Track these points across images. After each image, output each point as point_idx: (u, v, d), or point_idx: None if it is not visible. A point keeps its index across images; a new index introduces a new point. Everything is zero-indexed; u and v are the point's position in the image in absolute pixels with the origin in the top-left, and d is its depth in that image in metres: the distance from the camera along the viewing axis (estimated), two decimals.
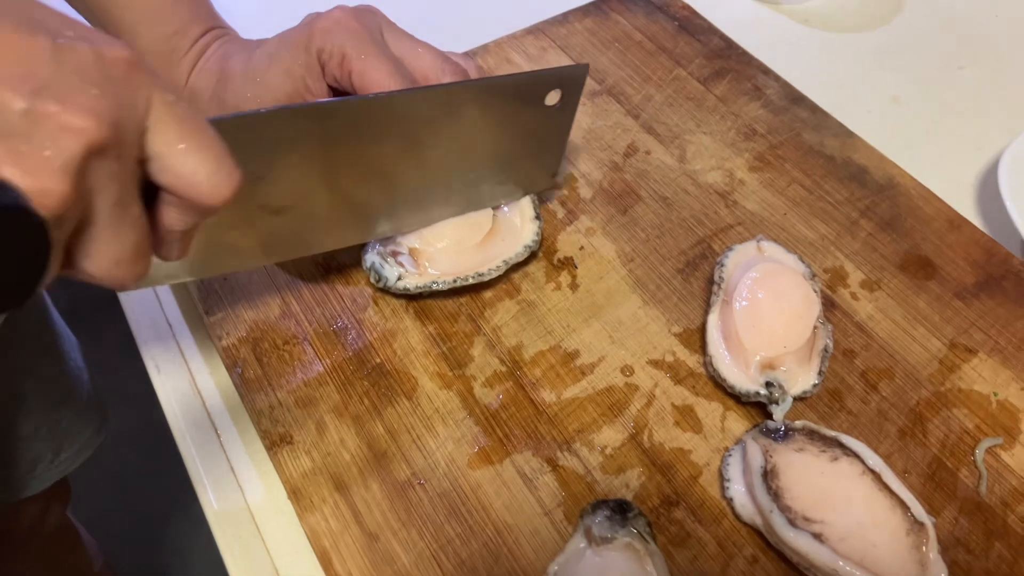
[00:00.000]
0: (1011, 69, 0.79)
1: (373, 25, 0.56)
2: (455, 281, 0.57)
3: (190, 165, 0.37)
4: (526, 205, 0.61)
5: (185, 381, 0.59)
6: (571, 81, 0.56)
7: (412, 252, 0.57)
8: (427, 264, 0.58)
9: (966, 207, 0.67)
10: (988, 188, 0.69)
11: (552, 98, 0.56)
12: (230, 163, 0.38)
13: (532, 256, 0.61)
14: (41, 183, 0.31)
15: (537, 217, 0.61)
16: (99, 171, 0.34)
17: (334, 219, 0.56)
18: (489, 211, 0.59)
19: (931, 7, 0.85)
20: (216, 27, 0.62)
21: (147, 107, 0.35)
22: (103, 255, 0.36)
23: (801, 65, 0.78)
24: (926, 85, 0.78)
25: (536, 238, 0.60)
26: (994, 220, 0.67)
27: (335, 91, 0.57)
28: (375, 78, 0.54)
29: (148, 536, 1.53)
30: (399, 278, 0.57)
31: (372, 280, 0.58)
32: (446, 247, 0.58)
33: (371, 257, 0.58)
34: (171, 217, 0.38)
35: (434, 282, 0.57)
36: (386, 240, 0.57)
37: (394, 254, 0.57)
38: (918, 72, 0.79)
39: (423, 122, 0.53)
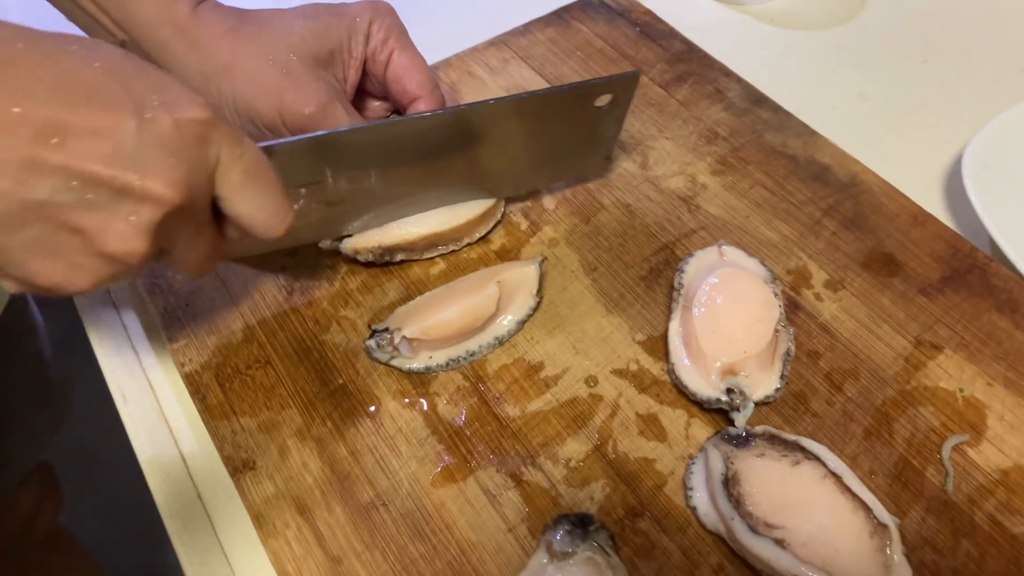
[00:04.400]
0: (976, 61, 0.79)
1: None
2: (448, 364, 0.57)
3: (251, 208, 0.45)
4: (531, 279, 0.60)
5: (152, 410, 0.58)
6: (622, 87, 0.60)
7: (411, 341, 0.56)
8: (423, 350, 0.57)
9: (934, 202, 0.67)
10: (954, 182, 0.69)
11: (603, 100, 0.60)
12: (284, 207, 0.46)
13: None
14: (126, 245, 0.39)
15: (538, 293, 0.60)
16: (176, 222, 0.41)
17: (395, 208, 0.62)
18: (495, 294, 0.58)
19: (895, 2, 0.85)
20: None
21: (217, 159, 0.42)
22: (182, 263, 0.45)
23: (766, 66, 0.78)
24: (891, 80, 0.78)
25: (530, 312, 0.59)
26: (961, 214, 0.66)
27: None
28: (414, 73, 0.60)
29: (148, 559, 1.53)
30: (391, 359, 0.57)
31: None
32: (446, 335, 0.57)
33: (369, 343, 0.57)
34: (232, 233, 0.47)
35: (427, 367, 0.57)
36: (384, 331, 0.57)
37: (391, 343, 0.56)
38: (883, 67, 0.79)
39: (485, 129, 0.59)
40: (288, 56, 0.57)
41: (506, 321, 0.59)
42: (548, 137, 0.62)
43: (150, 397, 0.59)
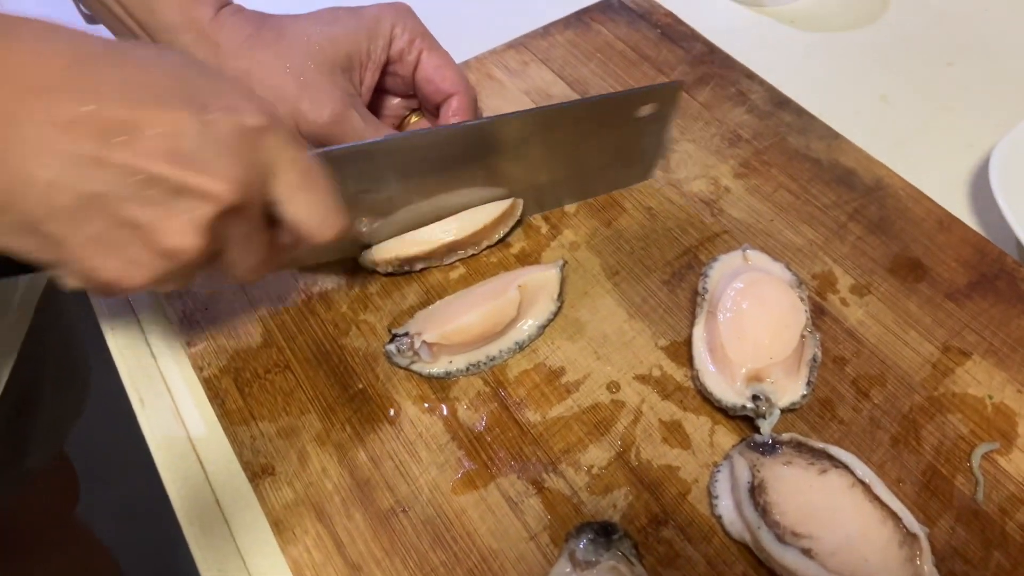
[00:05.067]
0: (1001, 64, 0.78)
1: None
2: (468, 369, 0.56)
3: (304, 212, 0.45)
4: (552, 283, 0.59)
5: (170, 414, 0.58)
6: (663, 97, 0.61)
7: (431, 345, 0.56)
8: (443, 354, 0.57)
9: (959, 206, 0.66)
10: (980, 186, 0.68)
11: (645, 110, 0.61)
12: (337, 212, 0.46)
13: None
14: (181, 241, 0.40)
15: (559, 297, 0.59)
16: (231, 221, 0.42)
17: (440, 213, 0.62)
18: (516, 299, 0.57)
19: (919, 3, 0.84)
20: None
21: (273, 162, 0.43)
22: (235, 266, 0.45)
23: (788, 68, 0.77)
24: (915, 83, 0.77)
25: (551, 317, 0.59)
26: (987, 218, 0.65)
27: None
28: (446, 72, 0.61)
29: (164, 559, 1.53)
30: (411, 363, 0.57)
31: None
32: (467, 340, 0.56)
33: (389, 347, 0.56)
34: (286, 239, 0.47)
35: (447, 371, 0.56)
36: (404, 335, 0.56)
37: (411, 347, 0.56)
38: (907, 70, 0.78)
39: (526, 138, 0.59)
40: (305, 63, 0.57)
41: (526, 326, 0.58)
42: (586, 149, 0.62)
43: (168, 401, 0.59)
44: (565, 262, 0.60)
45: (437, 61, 0.61)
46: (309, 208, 0.45)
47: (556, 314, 0.59)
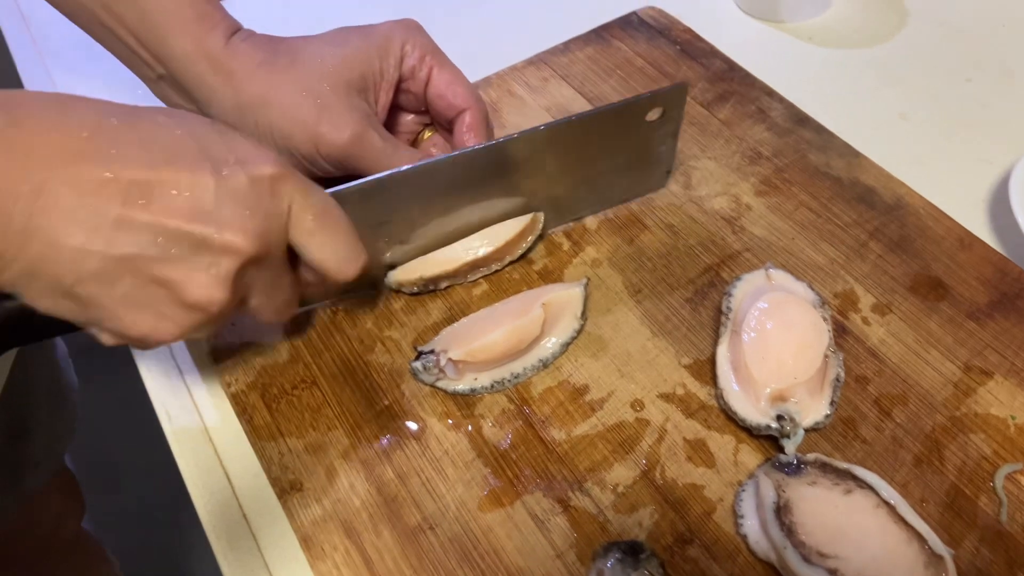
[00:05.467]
0: (1019, 80, 0.78)
1: None
2: (493, 386, 0.57)
3: (324, 252, 0.48)
4: (576, 302, 0.60)
5: (197, 429, 0.59)
6: (669, 99, 0.61)
7: (456, 363, 0.56)
8: (468, 372, 0.57)
9: (978, 223, 0.66)
10: (1000, 203, 0.68)
11: (653, 114, 0.61)
12: (356, 249, 0.49)
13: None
14: (207, 294, 0.42)
15: (582, 315, 0.60)
16: (254, 270, 0.44)
17: (461, 232, 0.63)
18: (540, 317, 0.57)
19: (936, 19, 0.85)
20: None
21: (289, 208, 0.45)
22: (263, 311, 0.48)
23: (806, 84, 0.78)
24: (933, 99, 0.77)
25: (574, 335, 0.59)
26: (1007, 236, 0.66)
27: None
28: (457, 87, 0.62)
29: (173, 567, 1.54)
30: (437, 380, 0.57)
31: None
32: (491, 358, 0.57)
33: (415, 365, 0.57)
34: (308, 276, 0.50)
35: (472, 388, 0.57)
36: (430, 353, 0.57)
37: (437, 364, 0.56)
38: (925, 86, 0.78)
39: (541, 153, 0.60)
40: (321, 86, 0.57)
41: (550, 343, 0.59)
42: (600, 158, 0.62)
43: (195, 416, 0.59)
44: (588, 280, 0.61)
45: (448, 77, 0.62)
46: (328, 248, 0.48)
47: (579, 332, 0.59)
